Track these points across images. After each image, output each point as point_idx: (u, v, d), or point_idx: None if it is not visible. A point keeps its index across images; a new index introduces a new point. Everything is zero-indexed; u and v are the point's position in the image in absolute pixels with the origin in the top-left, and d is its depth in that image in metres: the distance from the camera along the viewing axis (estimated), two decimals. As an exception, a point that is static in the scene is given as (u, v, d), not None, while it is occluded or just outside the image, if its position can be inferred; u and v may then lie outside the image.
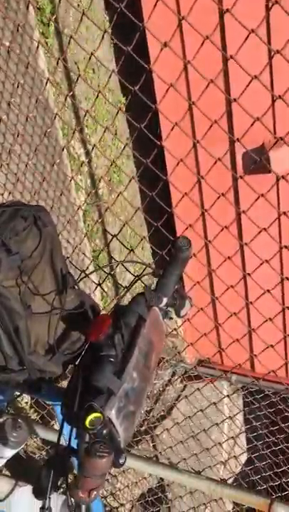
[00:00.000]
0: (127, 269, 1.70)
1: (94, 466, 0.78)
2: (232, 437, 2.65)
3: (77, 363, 1.01)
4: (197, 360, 3.35)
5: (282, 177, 1.68)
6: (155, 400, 3.15)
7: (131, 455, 1.82)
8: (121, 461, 0.88)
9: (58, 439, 1.01)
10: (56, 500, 1.15)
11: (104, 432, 0.84)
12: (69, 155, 2.47)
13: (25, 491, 1.50)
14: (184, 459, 2.29)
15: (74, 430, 0.96)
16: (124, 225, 1.84)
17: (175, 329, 3.21)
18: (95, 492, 0.80)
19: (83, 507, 0.87)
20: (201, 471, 1.70)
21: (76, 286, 1.05)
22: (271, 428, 2.82)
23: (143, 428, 3.03)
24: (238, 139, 1.93)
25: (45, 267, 0.98)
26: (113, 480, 2.74)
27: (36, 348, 0.99)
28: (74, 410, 0.90)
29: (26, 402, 2.24)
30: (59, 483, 0.90)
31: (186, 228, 1.99)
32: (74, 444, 0.96)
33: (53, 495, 0.95)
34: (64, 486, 0.88)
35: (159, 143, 1.76)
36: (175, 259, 1.14)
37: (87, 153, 2.60)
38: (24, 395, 1.97)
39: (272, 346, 2.40)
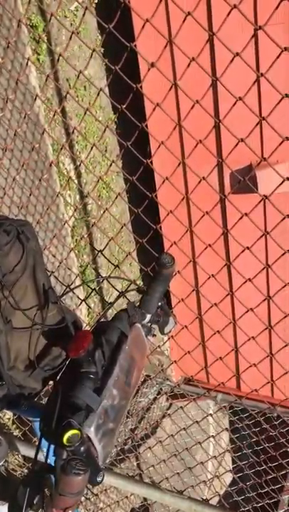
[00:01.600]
0: (112, 286, 1.69)
1: (69, 484, 0.77)
2: (214, 457, 2.62)
3: (57, 379, 1.01)
4: (183, 378, 3.33)
5: (266, 197, 1.70)
6: (140, 419, 3.12)
7: (113, 473, 1.80)
8: (98, 479, 0.87)
9: (35, 456, 1.00)
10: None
11: (82, 449, 0.83)
12: (58, 171, 2.48)
13: (4, 509, 1.48)
14: (167, 478, 2.26)
15: (52, 447, 0.95)
16: (110, 240, 1.84)
17: (159, 346, 3.21)
18: (70, 511, 0.79)
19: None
20: (183, 491, 1.68)
21: (59, 302, 1.05)
22: (256, 448, 2.80)
23: (127, 447, 2.99)
24: (222, 159, 1.96)
25: (27, 281, 0.97)
26: (96, 500, 2.70)
27: (16, 364, 0.98)
28: (52, 427, 0.89)
29: (8, 418, 2.21)
30: (35, 501, 0.89)
31: (171, 245, 2.00)
32: (52, 461, 0.95)
33: None
34: (39, 504, 0.86)
35: (145, 161, 1.78)
36: (159, 275, 1.14)
37: (76, 169, 2.61)
38: (5, 410, 1.95)
39: (255, 365, 2.40)
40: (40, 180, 2.09)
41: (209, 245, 1.85)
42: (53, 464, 0.92)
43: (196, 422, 2.61)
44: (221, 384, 2.66)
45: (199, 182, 1.74)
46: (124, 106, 1.79)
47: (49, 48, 2.34)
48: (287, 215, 1.78)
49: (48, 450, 0.94)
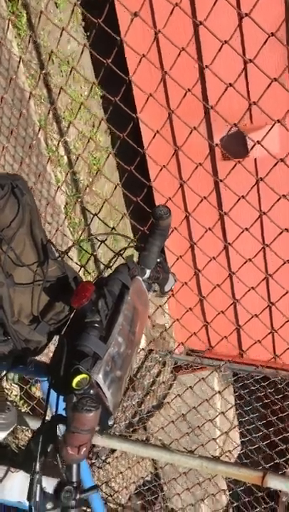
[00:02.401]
0: (108, 247, 1.70)
1: (81, 421, 0.77)
2: (222, 412, 2.65)
3: (62, 333, 1.01)
4: (186, 350, 3.36)
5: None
6: (146, 393, 3.15)
7: (122, 439, 1.82)
8: (110, 422, 0.88)
9: (45, 411, 1.00)
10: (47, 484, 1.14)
11: (92, 392, 0.83)
12: (47, 147, 2.46)
13: (17, 476, 1.49)
14: (177, 439, 2.29)
15: (61, 399, 0.95)
16: (104, 202, 1.86)
17: (163, 324, 3.22)
18: (84, 448, 0.80)
19: (74, 468, 0.87)
20: (193, 451, 1.71)
21: (61, 257, 1.04)
22: (262, 411, 2.83)
23: (135, 420, 3.02)
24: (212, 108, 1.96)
25: (25, 237, 0.97)
26: (108, 467, 2.73)
27: (20, 318, 0.98)
28: (60, 376, 0.89)
29: (16, 395, 2.22)
30: (48, 449, 0.90)
31: (166, 202, 2.02)
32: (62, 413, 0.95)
33: (45, 480, 0.94)
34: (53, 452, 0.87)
35: (135, 116, 1.78)
36: (156, 228, 1.14)
37: (65, 146, 2.59)
38: (13, 374, 1.96)
39: (259, 342, 2.43)
40: (30, 147, 2.09)
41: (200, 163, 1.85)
42: (64, 414, 0.92)
43: (210, 387, 2.63)
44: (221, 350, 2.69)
45: (190, 133, 1.73)
46: (109, 60, 1.80)
47: (29, 22, 2.31)
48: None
49: (57, 401, 0.95)
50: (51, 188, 2.43)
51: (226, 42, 1.61)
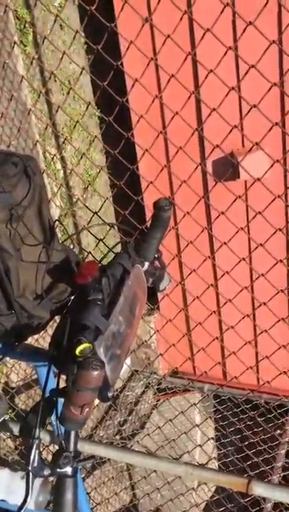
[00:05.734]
0: (105, 244, 1.74)
1: (87, 379, 0.79)
2: (200, 445, 2.64)
3: (65, 310, 1.04)
4: (170, 371, 3.36)
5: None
6: (129, 412, 3.12)
7: (108, 445, 1.81)
8: (109, 394, 0.90)
9: (43, 393, 1.01)
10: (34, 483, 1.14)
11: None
12: (45, 159, 2.52)
13: (2, 474, 1.48)
14: (162, 446, 2.28)
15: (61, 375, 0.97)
16: (87, 186, 1.90)
17: (146, 341, 3.23)
18: (87, 409, 0.81)
19: (72, 436, 0.88)
20: (178, 458, 1.70)
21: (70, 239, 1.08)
22: (244, 434, 2.83)
23: (116, 442, 2.99)
24: (218, 145, 2.04)
25: (33, 216, 1.01)
26: (96, 474, 2.68)
27: (25, 293, 1.00)
28: (62, 348, 0.92)
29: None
30: (47, 421, 0.91)
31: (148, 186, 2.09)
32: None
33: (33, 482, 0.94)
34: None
35: (121, 100, 1.83)
36: (156, 220, 1.18)
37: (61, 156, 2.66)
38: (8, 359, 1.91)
39: (234, 353, 2.46)
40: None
41: (184, 181, 1.91)
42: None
43: (182, 412, 2.64)
44: (205, 373, 2.71)
45: (172, 118, 1.79)
46: (105, 83, 1.87)
47: (35, 41, 2.41)
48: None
49: (58, 376, 0.97)
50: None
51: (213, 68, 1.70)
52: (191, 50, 2.41)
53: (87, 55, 2.79)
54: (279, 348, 2.20)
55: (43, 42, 2.46)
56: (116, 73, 2.02)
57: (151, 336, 3.20)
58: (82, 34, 2.78)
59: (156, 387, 3.31)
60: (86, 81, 2.77)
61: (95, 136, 2.33)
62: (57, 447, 0.94)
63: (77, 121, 2.43)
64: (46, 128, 2.51)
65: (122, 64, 1.98)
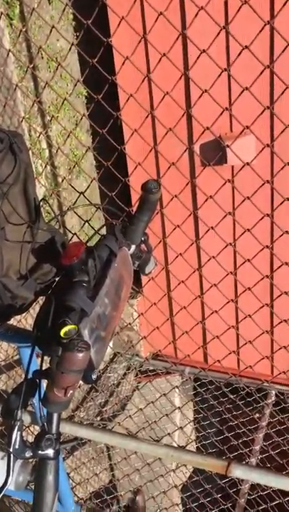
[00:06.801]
0: (90, 226, 1.72)
1: (71, 361, 0.78)
2: (180, 427, 2.67)
3: (50, 291, 1.02)
4: (152, 354, 3.37)
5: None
6: (110, 394, 3.13)
7: (90, 426, 1.81)
8: (94, 376, 0.89)
9: (26, 375, 1.00)
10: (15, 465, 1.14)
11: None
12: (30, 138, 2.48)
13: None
14: (143, 428, 2.29)
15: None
16: (74, 166, 1.87)
17: (130, 323, 3.24)
18: (71, 391, 0.81)
19: (55, 418, 0.87)
20: (159, 439, 1.72)
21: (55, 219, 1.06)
22: (224, 416, 2.86)
23: (96, 423, 3.00)
24: (208, 127, 2.02)
25: (18, 195, 0.98)
26: (76, 455, 2.69)
27: (8, 273, 0.99)
28: (46, 328, 0.90)
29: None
30: (29, 402, 0.90)
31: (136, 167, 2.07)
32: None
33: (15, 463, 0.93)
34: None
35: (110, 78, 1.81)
36: (144, 203, 1.16)
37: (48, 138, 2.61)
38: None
39: (218, 337, 2.48)
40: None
41: (173, 163, 1.90)
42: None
43: (164, 394, 2.66)
44: (187, 357, 2.73)
45: (163, 98, 1.77)
46: (95, 60, 1.83)
47: (22, 15, 2.34)
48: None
49: (42, 358, 0.95)
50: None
51: (204, 51, 1.67)
52: (182, 29, 2.37)
53: (76, 32, 2.72)
54: (262, 333, 2.22)
55: (31, 15, 2.40)
56: (105, 52, 1.97)
57: (134, 319, 3.20)
58: (71, 10, 2.71)
59: (137, 369, 3.32)
60: (74, 59, 2.72)
61: (83, 115, 2.28)
62: (38, 428, 0.93)
63: (64, 100, 2.38)
64: (32, 106, 2.45)
65: (111, 41, 1.93)
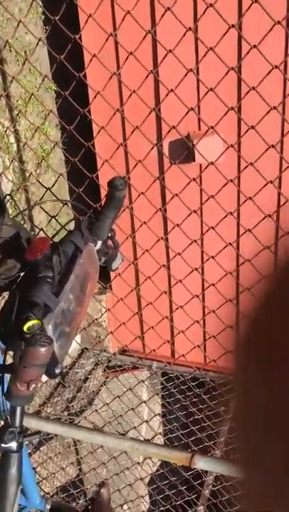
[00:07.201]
0: (57, 221, 1.72)
1: (34, 355, 0.80)
2: (146, 421, 2.70)
3: (14, 287, 1.03)
4: (120, 349, 3.39)
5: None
6: (77, 389, 3.14)
7: (56, 421, 1.82)
8: (57, 371, 0.91)
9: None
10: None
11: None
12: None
13: None
14: (110, 422, 2.31)
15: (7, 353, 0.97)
16: (41, 161, 1.88)
17: (97, 319, 3.25)
18: (34, 385, 0.82)
19: (18, 412, 0.88)
20: (125, 433, 1.74)
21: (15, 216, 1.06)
22: (189, 410, 2.91)
23: (63, 418, 3.00)
24: (174, 126, 2.04)
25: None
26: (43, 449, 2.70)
27: None
28: (10, 324, 0.91)
29: None
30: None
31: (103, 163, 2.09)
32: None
33: None
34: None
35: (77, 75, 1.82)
36: (111, 199, 1.18)
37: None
38: None
39: (182, 332, 2.52)
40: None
41: (140, 161, 1.92)
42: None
43: (130, 389, 2.69)
44: (153, 351, 2.76)
45: (130, 96, 1.78)
46: (62, 56, 1.83)
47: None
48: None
49: (5, 353, 0.96)
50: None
51: (170, 51, 1.70)
52: (152, 27, 2.39)
53: (45, 26, 2.71)
54: (225, 328, 2.26)
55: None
56: (75, 47, 1.97)
57: (102, 315, 3.21)
58: (40, 3, 2.69)
59: (105, 364, 3.34)
60: (43, 53, 2.70)
61: (50, 111, 2.28)
62: (2, 423, 0.94)
63: (32, 94, 2.36)
64: (0, 99, 2.43)
65: (80, 38, 1.94)
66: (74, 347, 3.17)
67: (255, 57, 1.75)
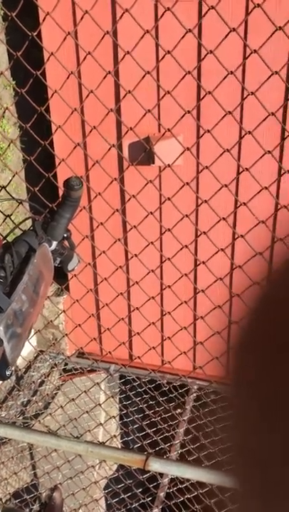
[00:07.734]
0: (10, 219, 1.69)
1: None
2: (100, 424, 2.69)
3: None
4: (77, 352, 3.36)
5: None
6: (33, 393, 3.09)
7: (9, 425, 1.78)
8: (7, 372, 0.89)
9: None
10: None
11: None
12: None
13: None
14: (64, 425, 2.28)
15: None
16: (2, 189, 1.84)
17: (51, 321, 3.21)
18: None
19: None
20: (80, 436, 1.72)
21: None
22: (147, 413, 2.91)
23: (18, 423, 2.94)
24: (131, 127, 2.04)
25: None
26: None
27: None
28: None
29: None
30: None
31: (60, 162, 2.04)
32: None
33: None
34: None
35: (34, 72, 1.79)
36: (67, 200, 1.17)
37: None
38: None
39: (138, 334, 2.52)
40: None
41: (97, 161, 1.91)
42: None
43: (85, 391, 2.66)
44: (109, 354, 2.74)
45: (87, 95, 1.77)
46: (19, 53, 1.80)
47: None
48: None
49: None
50: None
51: (128, 53, 1.70)
52: (112, 28, 2.38)
53: (4, 21, 2.66)
54: (180, 329, 2.28)
55: None
56: (34, 44, 1.94)
57: (57, 316, 3.17)
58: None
59: (62, 367, 3.30)
60: (2, 49, 2.65)
61: (6, 108, 2.23)
62: None
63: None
64: None
65: (39, 35, 1.91)
66: (29, 349, 3.12)
67: (214, 60, 1.77)
